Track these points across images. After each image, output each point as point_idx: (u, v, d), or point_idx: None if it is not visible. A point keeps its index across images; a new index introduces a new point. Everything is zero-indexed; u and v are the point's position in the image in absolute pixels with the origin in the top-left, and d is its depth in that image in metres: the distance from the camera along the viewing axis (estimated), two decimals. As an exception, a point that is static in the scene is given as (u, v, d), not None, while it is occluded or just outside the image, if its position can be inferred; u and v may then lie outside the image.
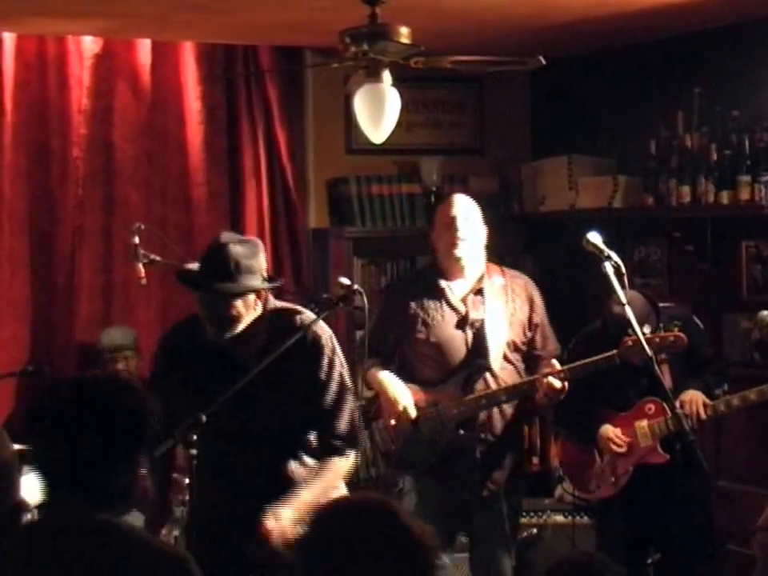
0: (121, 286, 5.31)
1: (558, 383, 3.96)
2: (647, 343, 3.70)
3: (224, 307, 3.27)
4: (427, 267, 4.45)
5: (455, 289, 4.19)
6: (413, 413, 4.13)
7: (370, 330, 3.87)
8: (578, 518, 4.93)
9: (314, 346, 3.36)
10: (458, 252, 4.14)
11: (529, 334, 4.21)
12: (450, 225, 4.14)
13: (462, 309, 4.17)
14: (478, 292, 4.19)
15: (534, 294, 4.25)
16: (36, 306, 5.21)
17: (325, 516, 2.03)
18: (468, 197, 4.30)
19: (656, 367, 3.68)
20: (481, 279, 4.19)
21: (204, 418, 3.14)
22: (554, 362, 4.04)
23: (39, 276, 5.23)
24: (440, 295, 4.18)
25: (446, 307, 4.17)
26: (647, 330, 3.85)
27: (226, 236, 3.35)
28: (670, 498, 4.09)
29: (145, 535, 2.25)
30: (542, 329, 4.23)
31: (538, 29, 4.94)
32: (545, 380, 3.98)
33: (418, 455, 4.18)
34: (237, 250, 3.27)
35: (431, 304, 4.18)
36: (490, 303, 4.16)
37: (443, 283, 4.18)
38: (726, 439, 4.87)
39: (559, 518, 4.96)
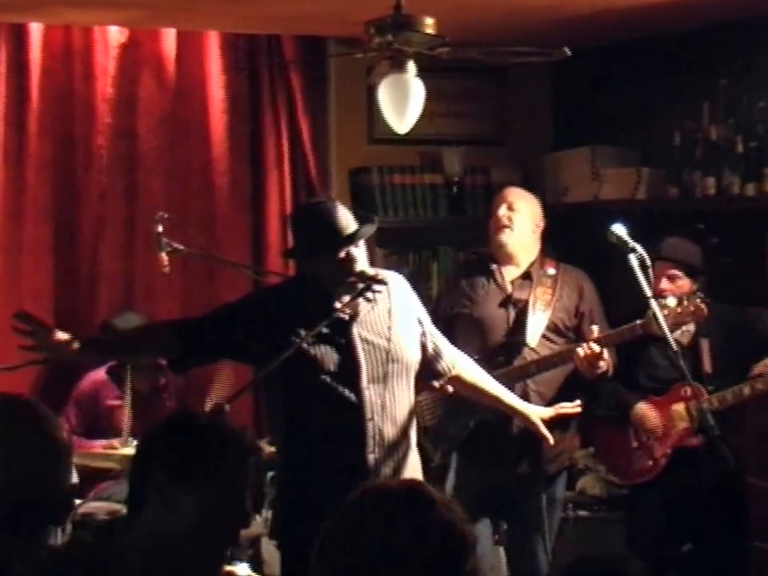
0: (143, 275, 5.33)
1: (596, 347, 4.01)
2: (670, 315, 3.76)
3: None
4: (485, 253, 4.56)
5: (505, 272, 4.35)
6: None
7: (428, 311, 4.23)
8: (600, 511, 4.92)
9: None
10: (501, 238, 4.30)
11: (575, 321, 4.31)
12: (496, 212, 4.32)
13: (508, 289, 4.31)
14: (527, 276, 4.32)
15: (584, 285, 4.37)
16: (58, 294, 5.24)
17: (362, 500, 1.92)
18: (524, 191, 4.48)
19: (675, 347, 3.68)
20: (532, 267, 4.34)
21: (228, 407, 3.16)
22: (594, 327, 4.10)
23: (62, 264, 5.25)
24: (489, 276, 4.35)
25: (492, 286, 4.33)
26: (673, 302, 3.86)
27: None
28: (700, 488, 4.09)
29: None
30: (591, 319, 4.30)
31: (562, 20, 4.92)
32: (581, 348, 4.03)
33: (452, 429, 4.25)
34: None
35: (479, 283, 4.35)
36: (536, 287, 4.28)
37: (494, 266, 4.35)
38: (749, 435, 4.84)
39: (581, 512, 4.93)
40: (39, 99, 5.12)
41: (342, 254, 3.37)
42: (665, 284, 4.24)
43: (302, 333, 3.37)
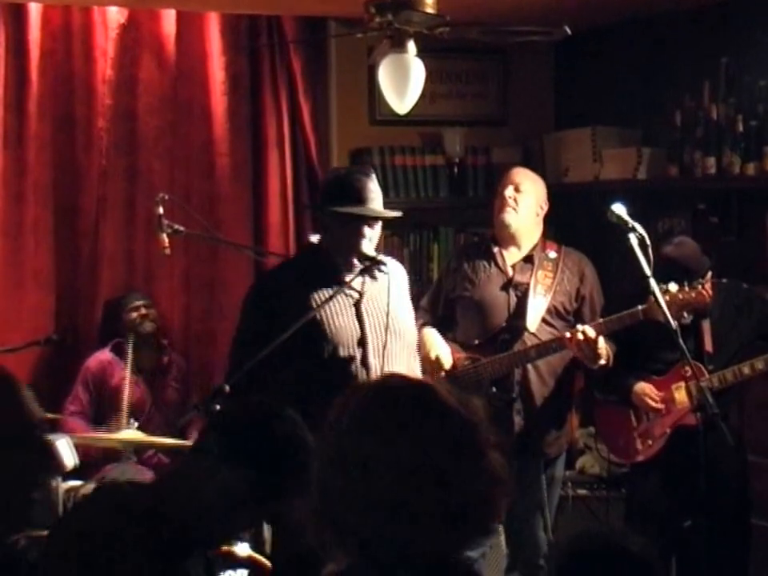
0: (144, 256, 5.34)
1: (591, 332, 4.00)
2: (672, 301, 3.74)
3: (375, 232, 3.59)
4: (487, 236, 4.57)
5: (507, 255, 4.36)
6: (446, 363, 4.24)
7: (429, 291, 4.44)
8: (599, 490, 4.93)
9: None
10: (505, 218, 4.31)
11: (575, 305, 4.32)
12: (502, 192, 4.34)
13: (509, 272, 4.33)
14: (528, 260, 4.33)
15: (585, 270, 4.37)
16: (60, 275, 5.25)
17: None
18: (531, 172, 4.50)
19: (675, 327, 3.68)
20: (534, 249, 4.34)
21: (228, 388, 3.16)
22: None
23: (63, 245, 5.26)
24: (490, 258, 4.36)
25: (493, 269, 4.34)
26: (674, 287, 3.84)
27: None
28: (700, 466, 4.10)
29: None
30: (592, 303, 4.33)
31: (563, -1, 4.91)
32: (575, 333, 4.02)
33: None
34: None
35: (481, 266, 4.36)
36: (537, 270, 4.29)
37: (496, 249, 4.37)
38: (750, 414, 4.86)
39: (580, 491, 4.95)
40: (39, 80, 5.10)
41: (354, 227, 3.50)
42: None
43: (314, 304, 3.47)
